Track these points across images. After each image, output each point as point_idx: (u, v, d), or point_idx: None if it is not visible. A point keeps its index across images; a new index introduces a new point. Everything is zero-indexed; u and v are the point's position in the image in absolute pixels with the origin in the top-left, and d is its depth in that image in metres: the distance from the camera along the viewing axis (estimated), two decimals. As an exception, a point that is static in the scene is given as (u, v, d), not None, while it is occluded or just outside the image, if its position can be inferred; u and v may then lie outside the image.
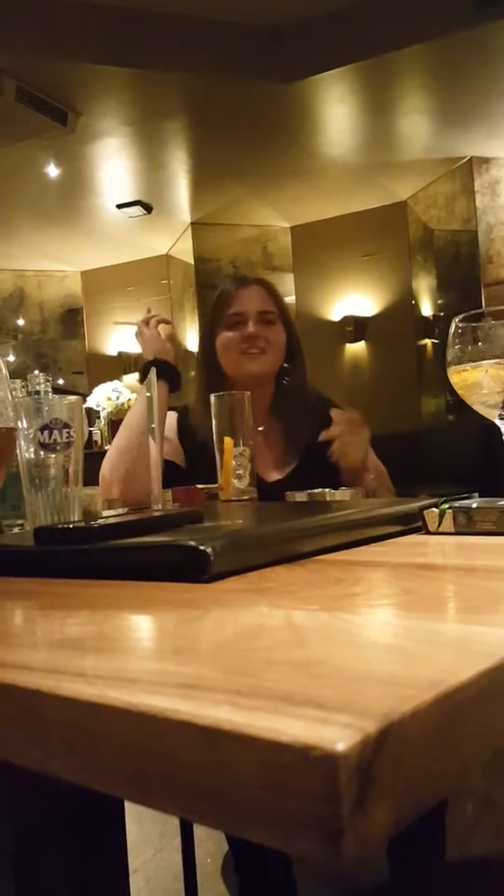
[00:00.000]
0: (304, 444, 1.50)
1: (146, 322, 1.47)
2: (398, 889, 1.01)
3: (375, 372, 6.18)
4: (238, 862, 1.39)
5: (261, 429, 1.52)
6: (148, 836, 1.82)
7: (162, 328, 1.47)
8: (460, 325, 0.88)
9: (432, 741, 0.24)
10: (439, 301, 6.07)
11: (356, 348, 6.28)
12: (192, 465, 1.48)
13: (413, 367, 6.04)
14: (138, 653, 0.35)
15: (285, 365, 1.56)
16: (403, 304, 6.10)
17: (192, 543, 0.50)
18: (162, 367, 1.37)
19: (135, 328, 1.50)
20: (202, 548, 0.49)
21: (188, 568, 0.50)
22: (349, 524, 0.67)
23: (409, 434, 4.89)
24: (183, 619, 0.40)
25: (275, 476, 1.49)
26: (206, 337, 1.55)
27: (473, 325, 0.87)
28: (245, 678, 0.28)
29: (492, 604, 0.40)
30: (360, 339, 6.26)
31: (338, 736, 0.21)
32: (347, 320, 6.25)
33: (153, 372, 1.01)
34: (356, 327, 6.22)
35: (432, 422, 5.97)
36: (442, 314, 5.98)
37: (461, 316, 0.89)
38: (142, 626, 0.41)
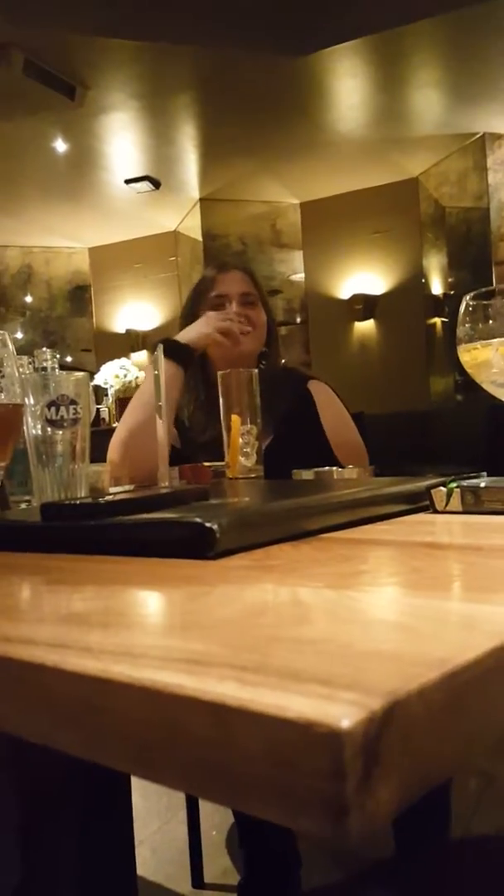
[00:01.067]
0: (279, 418, 1.50)
1: (224, 330, 1.43)
2: (403, 865, 1.03)
3: (384, 351, 6.15)
4: (243, 835, 1.41)
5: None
6: (154, 808, 1.84)
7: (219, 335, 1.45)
8: (471, 302, 0.87)
9: (438, 720, 0.24)
10: (450, 279, 6.01)
11: (365, 327, 6.24)
12: (187, 446, 1.49)
13: (422, 346, 6.00)
14: (144, 628, 0.35)
15: (264, 349, 1.58)
16: (413, 283, 6.05)
17: (198, 520, 0.50)
18: (173, 347, 1.37)
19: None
20: (208, 524, 0.49)
21: (194, 544, 0.50)
22: (356, 502, 0.67)
23: (417, 414, 4.87)
24: (189, 595, 0.40)
25: None
26: (187, 319, 1.57)
27: (485, 302, 0.86)
28: (250, 654, 0.27)
29: (499, 583, 0.39)
30: (369, 318, 6.21)
31: (343, 713, 0.21)
32: (356, 298, 6.20)
33: (160, 349, 1.00)
34: (365, 305, 6.17)
35: (440, 401, 5.94)
36: (452, 293, 5.93)
37: (472, 293, 0.88)
38: (148, 602, 0.41)
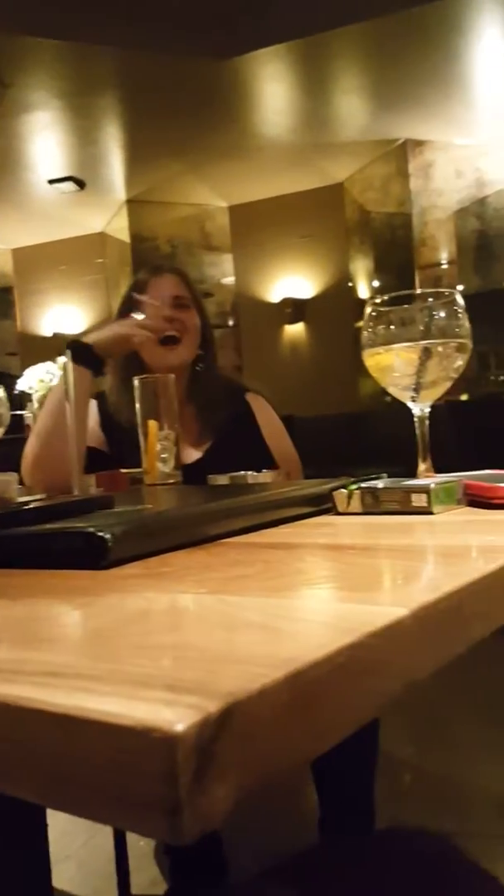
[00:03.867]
0: (217, 424, 1.51)
1: (142, 325, 1.39)
2: (324, 857, 1.04)
3: (314, 353, 6.22)
4: (168, 844, 1.40)
5: None
6: (80, 822, 1.81)
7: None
8: (373, 311, 0.90)
9: (283, 718, 0.25)
10: (376, 283, 6.13)
11: (295, 330, 6.31)
12: (119, 449, 1.47)
13: (351, 348, 6.09)
14: (8, 642, 0.34)
15: (199, 352, 1.57)
16: (341, 286, 6.15)
17: (91, 530, 0.50)
18: (82, 351, 1.34)
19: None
20: (100, 534, 0.49)
21: (87, 555, 0.49)
22: (259, 506, 0.68)
23: (347, 415, 4.95)
24: (70, 606, 0.40)
25: (193, 456, 1.49)
26: None
27: (387, 308, 0.89)
28: (108, 664, 0.28)
29: (373, 582, 0.41)
30: (299, 321, 6.28)
31: (178, 717, 0.22)
32: (286, 302, 6.26)
33: (68, 355, 0.99)
34: (295, 309, 6.24)
35: (370, 403, 6.04)
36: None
37: (374, 300, 0.90)
38: (26, 615, 0.40)
